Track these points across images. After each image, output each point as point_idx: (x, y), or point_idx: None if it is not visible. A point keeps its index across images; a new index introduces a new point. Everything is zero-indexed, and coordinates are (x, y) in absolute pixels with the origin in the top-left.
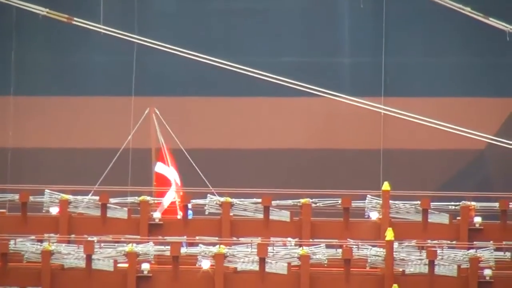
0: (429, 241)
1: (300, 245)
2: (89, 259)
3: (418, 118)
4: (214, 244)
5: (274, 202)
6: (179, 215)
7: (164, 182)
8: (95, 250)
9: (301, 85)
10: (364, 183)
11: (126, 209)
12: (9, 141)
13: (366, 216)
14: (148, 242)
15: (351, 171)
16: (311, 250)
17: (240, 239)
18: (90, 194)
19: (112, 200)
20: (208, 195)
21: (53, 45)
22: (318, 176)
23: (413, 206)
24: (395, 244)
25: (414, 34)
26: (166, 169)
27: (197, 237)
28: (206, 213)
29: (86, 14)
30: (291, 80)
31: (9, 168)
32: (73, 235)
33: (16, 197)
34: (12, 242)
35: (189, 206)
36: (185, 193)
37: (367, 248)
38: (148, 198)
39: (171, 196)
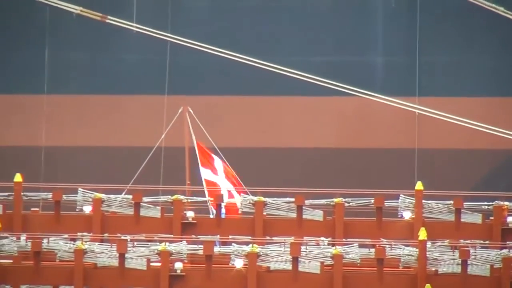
0: (462, 240)
1: (333, 245)
2: (122, 258)
3: (452, 117)
4: (247, 243)
5: (307, 202)
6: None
7: (214, 187)
8: (128, 249)
9: (334, 84)
10: (398, 182)
11: (159, 208)
12: (42, 140)
13: (399, 216)
14: (181, 241)
15: (384, 170)
16: (344, 250)
17: (273, 238)
18: (123, 193)
19: (145, 199)
20: (242, 194)
21: (86, 43)
22: (351, 175)
23: (446, 206)
24: (428, 244)
25: (448, 34)
26: (213, 176)
27: (230, 236)
28: (240, 212)
29: (119, 13)
30: (324, 79)
31: (42, 167)
32: (106, 234)
33: (50, 195)
34: (45, 240)
35: (222, 205)
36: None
37: (400, 248)
38: (181, 197)
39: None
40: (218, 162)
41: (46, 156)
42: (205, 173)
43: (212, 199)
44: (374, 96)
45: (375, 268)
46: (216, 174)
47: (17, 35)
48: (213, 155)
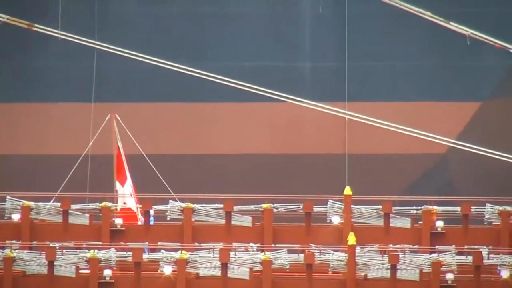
0: (391, 245)
1: (262, 250)
2: (51, 265)
3: (381, 122)
4: (176, 250)
5: (235, 208)
6: (140, 221)
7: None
8: (57, 256)
9: (264, 90)
10: (328, 188)
11: (87, 215)
12: None
13: (328, 221)
14: (110, 248)
15: (315, 176)
16: (273, 255)
17: (202, 244)
18: (52, 201)
19: (73, 207)
20: (170, 201)
21: (13, 51)
22: (281, 181)
23: (375, 211)
24: (357, 249)
25: (376, 38)
26: (121, 188)
27: (159, 243)
28: (168, 218)
29: (47, 21)
30: (253, 85)
31: None
32: (35, 242)
33: None
34: None
35: (151, 212)
36: (146, 199)
37: (329, 253)
38: (109, 204)
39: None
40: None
41: None
42: (118, 185)
43: (141, 206)
44: (303, 102)
45: (305, 274)
46: (122, 186)
47: None
48: (127, 174)
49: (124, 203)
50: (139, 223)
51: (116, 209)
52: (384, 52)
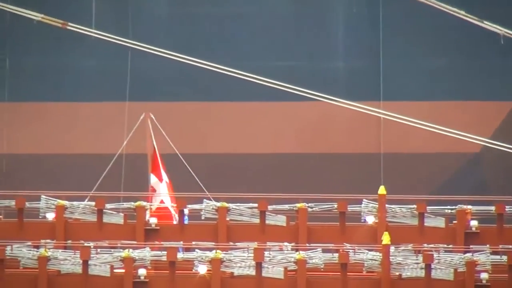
0: (425, 245)
1: (297, 250)
2: (85, 264)
3: (416, 122)
4: (210, 249)
5: (270, 207)
6: (175, 220)
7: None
8: (92, 255)
9: (297, 89)
10: (362, 187)
11: (122, 214)
12: (3, 148)
13: (362, 221)
14: (144, 247)
15: (349, 175)
16: (307, 255)
17: (236, 244)
18: (86, 200)
19: (108, 206)
20: (204, 200)
21: (47, 50)
22: (315, 180)
23: (409, 210)
24: (392, 248)
25: (411, 37)
26: (158, 183)
27: (193, 242)
28: (203, 218)
29: (81, 20)
30: (286, 84)
31: (3, 175)
32: (69, 241)
33: (12, 203)
34: (8, 248)
35: (186, 211)
36: (180, 198)
37: (364, 253)
38: (144, 203)
39: (164, 200)
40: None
41: (7, 164)
42: (153, 179)
43: (175, 205)
44: (337, 101)
45: (339, 273)
46: (161, 182)
47: None
48: (163, 173)
49: (162, 202)
50: (174, 222)
51: (151, 208)
52: (418, 51)
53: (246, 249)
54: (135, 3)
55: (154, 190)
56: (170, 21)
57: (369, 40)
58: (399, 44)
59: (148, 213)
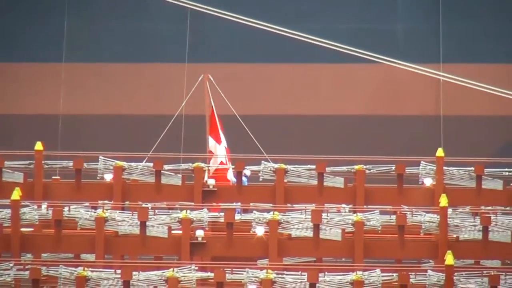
0: (482, 207)
1: (354, 212)
2: (143, 226)
3: (476, 84)
4: (268, 211)
5: (328, 169)
6: (232, 181)
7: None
8: (149, 217)
9: (358, 51)
10: (421, 149)
11: (180, 175)
12: (60, 108)
13: (420, 183)
14: (202, 208)
15: (408, 137)
16: (365, 217)
17: (294, 205)
18: (144, 161)
19: (166, 167)
20: (262, 161)
21: (106, 12)
22: (373, 142)
23: (467, 172)
24: (449, 211)
25: (470, 1)
26: (216, 145)
27: (251, 204)
28: (260, 179)
29: None
30: (347, 46)
31: (60, 135)
32: (127, 202)
33: (70, 163)
34: (66, 209)
35: (248, 173)
36: (238, 160)
37: (421, 215)
38: (202, 164)
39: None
40: (222, 144)
41: (64, 125)
42: (211, 142)
43: (233, 166)
44: (398, 63)
45: (396, 235)
46: (219, 144)
47: (36, 4)
48: (221, 135)
49: (222, 163)
50: (231, 183)
51: (210, 170)
52: (478, 13)
53: (304, 210)
54: None
55: (211, 153)
56: None
57: (428, 1)
58: (460, 5)
59: (206, 175)
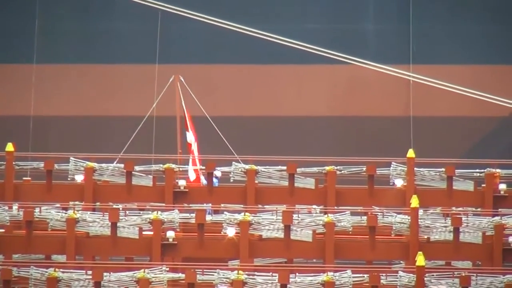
0: (454, 208)
1: (325, 213)
2: (114, 227)
3: (445, 85)
4: (239, 212)
5: (299, 170)
6: (202, 182)
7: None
8: (120, 217)
9: (327, 51)
10: (391, 150)
11: (151, 176)
12: (31, 110)
13: (391, 184)
14: (173, 209)
15: (378, 138)
16: (336, 218)
17: (265, 206)
18: (115, 162)
19: (137, 168)
20: (233, 162)
21: (77, 13)
22: (344, 143)
23: (438, 174)
24: (420, 212)
25: (440, 1)
26: (193, 139)
27: (222, 205)
28: (231, 180)
29: None
30: (316, 47)
31: (31, 136)
32: (98, 203)
33: (41, 165)
34: (37, 210)
35: (218, 174)
36: (209, 161)
37: (392, 216)
38: (173, 165)
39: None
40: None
41: (35, 126)
42: (190, 137)
43: (204, 167)
44: (368, 64)
45: (367, 236)
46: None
47: (7, 4)
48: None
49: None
50: (202, 184)
51: (179, 170)
52: (448, 14)
53: (275, 211)
54: None
55: (189, 145)
56: None
57: (399, 2)
58: (430, 7)
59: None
